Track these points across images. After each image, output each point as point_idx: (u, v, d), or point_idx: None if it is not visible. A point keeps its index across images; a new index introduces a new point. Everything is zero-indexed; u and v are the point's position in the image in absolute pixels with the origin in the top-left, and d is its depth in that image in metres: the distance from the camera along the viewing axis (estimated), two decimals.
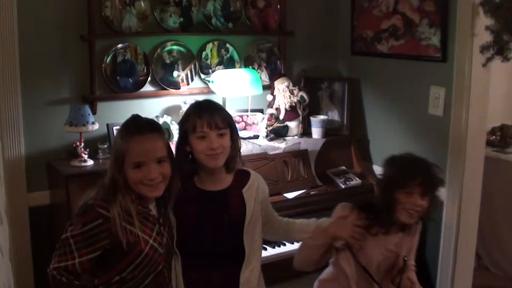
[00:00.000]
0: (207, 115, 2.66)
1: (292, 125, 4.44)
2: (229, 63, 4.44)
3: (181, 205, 2.73)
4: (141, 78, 4.09)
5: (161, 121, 3.91)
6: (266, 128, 4.34)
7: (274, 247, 3.80)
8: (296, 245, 3.56)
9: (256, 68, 4.51)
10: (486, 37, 3.20)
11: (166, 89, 4.19)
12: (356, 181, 4.31)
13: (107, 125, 3.86)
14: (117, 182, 2.53)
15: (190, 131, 2.68)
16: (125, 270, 2.53)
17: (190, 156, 2.75)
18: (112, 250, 2.51)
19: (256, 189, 2.82)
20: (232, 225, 2.73)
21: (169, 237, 2.69)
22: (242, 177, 2.84)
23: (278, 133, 4.35)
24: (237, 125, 2.97)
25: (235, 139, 2.77)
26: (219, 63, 4.40)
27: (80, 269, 2.48)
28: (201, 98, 4.03)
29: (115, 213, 2.47)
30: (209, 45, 4.35)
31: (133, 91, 4.06)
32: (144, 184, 2.54)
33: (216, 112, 2.71)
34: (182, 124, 2.76)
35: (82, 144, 3.73)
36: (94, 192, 2.55)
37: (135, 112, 2.72)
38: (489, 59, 3.21)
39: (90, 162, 3.74)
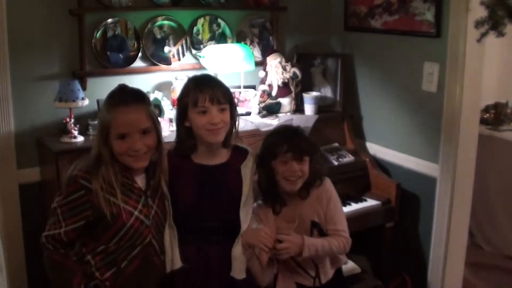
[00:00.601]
0: (209, 90, 2.66)
1: (285, 101, 4.41)
2: (221, 39, 4.39)
3: (179, 180, 2.74)
4: (131, 53, 4.05)
5: (152, 97, 3.88)
6: (259, 104, 4.32)
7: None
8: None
9: (248, 44, 4.46)
10: (480, 12, 3.16)
11: (157, 64, 4.15)
12: (349, 158, 4.29)
13: (98, 101, 3.82)
14: (103, 154, 2.54)
15: (190, 106, 2.67)
16: (110, 241, 2.56)
17: (189, 131, 2.74)
18: (96, 221, 2.54)
19: (252, 167, 2.84)
20: (229, 200, 2.75)
21: (160, 210, 2.69)
22: (240, 154, 2.85)
23: (270, 109, 4.32)
24: None
25: (234, 115, 2.77)
26: (210, 39, 4.36)
27: (65, 238, 2.54)
28: (192, 74, 4.02)
29: (97, 186, 2.50)
30: (201, 20, 4.30)
31: (123, 66, 4.02)
32: (129, 155, 2.56)
33: (218, 87, 2.71)
34: (181, 99, 2.75)
35: (72, 120, 3.69)
36: (82, 164, 2.56)
37: None
38: (483, 34, 3.17)
39: (80, 138, 3.70)
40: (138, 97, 2.63)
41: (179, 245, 2.73)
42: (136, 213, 2.57)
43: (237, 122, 2.81)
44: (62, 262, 2.56)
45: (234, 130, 2.81)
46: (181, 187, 2.74)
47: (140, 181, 2.66)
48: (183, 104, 2.71)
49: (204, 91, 2.64)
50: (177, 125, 2.79)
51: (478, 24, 3.17)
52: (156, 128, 2.64)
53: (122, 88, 2.67)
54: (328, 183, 3.00)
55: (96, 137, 2.65)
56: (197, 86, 2.68)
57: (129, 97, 2.59)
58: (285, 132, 2.92)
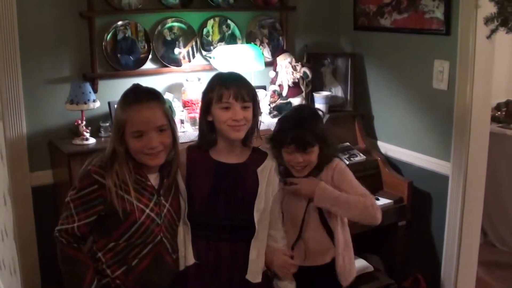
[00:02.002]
0: (234, 86, 2.66)
1: (295, 101, 4.40)
2: (230, 40, 4.40)
3: (195, 174, 2.75)
4: (142, 55, 4.06)
5: None
6: (269, 105, 4.32)
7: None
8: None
9: (258, 44, 4.47)
10: (490, 9, 3.16)
11: (167, 66, 4.16)
12: (361, 157, 4.29)
13: (109, 103, 3.84)
14: (118, 152, 2.56)
15: (215, 101, 2.68)
16: (120, 237, 2.57)
17: (211, 126, 2.76)
18: (108, 217, 2.56)
19: (269, 172, 2.82)
20: (243, 200, 2.74)
21: (173, 209, 2.70)
22: (259, 156, 2.84)
23: (281, 109, 4.30)
24: None
25: (256, 113, 2.78)
26: (220, 40, 4.36)
27: (78, 233, 2.55)
28: (203, 75, 4.02)
29: (111, 182, 2.51)
30: (210, 22, 4.31)
31: (134, 68, 4.03)
32: (145, 153, 2.57)
33: (243, 84, 2.73)
34: (206, 93, 2.75)
35: (84, 122, 3.71)
36: (96, 160, 2.59)
37: None
38: (493, 31, 3.17)
39: (92, 140, 3.72)
40: (153, 95, 2.65)
41: (192, 241, 2.74)
42: (147, 211, 2.59)
43: (259, 122, 2.82)
44: (75, 256, 2.57)
45: (256, 130, 2.81)
46: (197, 181, 2.74)
47: (153, 179, 2.67)
48: (208, 98, 2.71)
49: (229, 87, 2.65)
50: (200, 119, 2.80)
51: (488, 20, 3.16)
52: (171, 126, 2.65)
53: (137, 87, 2.68)
54: (336, 162, 2.94)
55: (111, 135, 2.67)
56: (223, 82, 2.69)
57: (144, 96, 2.61)
58: (291, 120, 2.87)
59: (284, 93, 4.38)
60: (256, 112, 2.77)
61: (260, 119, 2.83)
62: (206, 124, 2.76)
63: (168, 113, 2.66)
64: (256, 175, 2.77)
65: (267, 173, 2.80)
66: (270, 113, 4.27)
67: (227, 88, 2.65)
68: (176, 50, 4.18)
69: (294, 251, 2.90)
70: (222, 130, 2.70)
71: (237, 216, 2.75)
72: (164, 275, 2.68)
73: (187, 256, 2.74)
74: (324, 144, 2.86)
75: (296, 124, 2.83)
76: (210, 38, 4.33)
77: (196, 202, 2.74)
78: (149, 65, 4.12)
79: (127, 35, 3.98)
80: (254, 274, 2.77)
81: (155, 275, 2.64)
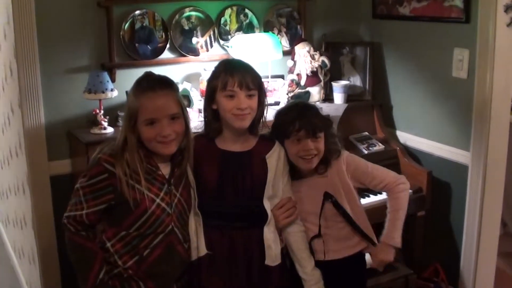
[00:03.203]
0: (239, 74, 2.64)
1: (314, 90, 4.39)
2: (248, 29, 4.39)
3: (202, 164, 2.74)
4: (159, 45, 4.06)
5: (181, 88, 3.87)
6: (287, 94, 4.30)
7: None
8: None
9: (276, 33, 4.45)
10: None
11: (185, 55, 4.15)
12: (379, 146, 4.27)
13: (126, 92, 3.81)
14: (129, 140, 2.55)
15: (219, 88, 2.66)
16: (130, 227, 2.57)
17: (216, 114, 2.74)
18: (118, 206, 2.56)
19: (278, 158, 2.80)
20: (252, 188, 2.72)
21: (183, 199, 2.70)
22: (266, 144, 2.82)
23: (299, 99, 4.29)
24: None
25: (262, 101, 2.75)
26: (238, 29, 4.35)
27: (87, 220, 2.56)
28: None
29: (121, 171, 2.51)
30: (228, 11, 4.30)
31: (152, 58, 4.03)
32: (157, 141, 2.56)
33: (248, 72, 2.69)
34: (211, 80, 2.74)
35: (102, 111, 3.72)
36: (106, 148, 2.58)
37: None
38: None
39: (110, 130, 3.73)
40: (166, 83, 2.64)
41: (203, 231, 2.73)
42: (158, 200, 2.58)
43: (265, 110, 2.78)
44: (84, 244, 2.57)
45: (262, 118, 2.79)
46: (204, 171, 2.73)
47: (164, 168, 2.65)
48: (212, 86, 2.70)
49: (234, 75, 2.62)
50: (205, 107, 2.78)
51: (508, 8, 3.15)
52: (184, 115, 2.63)
53: (149, 75, 2.67)
54: (345, 155, 2.95)
55: (123, 123, 2.66)
56: (228, 70, 2.67)
57: (157, 84, 2.59)
58: (295, 109, 2.86)
59: (302, 82, 4.36)
60: (262, 100, 2.75)
61: (267, 107, 2.80)
62: (211, 112, 2.74)
63: (181, 102, 2.64)
64: (264, 162, 2.75)
65: (276, 160, 2.79)
66: (288, 102, 4.24)
67: (232, 76, 2.63)
68: (194, 40, 4.17)
69: (315, 247, 2.90)
70: (226, 119, 2.68)
71: (247, 203, 2.74)
72: (176, 264, 2.68)
73: (199, 247, 2.73)
74: (328, 131, 2.87)
75: (301, 112, 2.83)
76: (227, 27, 4.32)
77: (205, 191, 2.73)
78: (166, 54, 4.11)
79: (144, 24, 3.97)
80: (273, 257, 2.76)
81: (167, 265, 2.64)
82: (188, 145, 2.68)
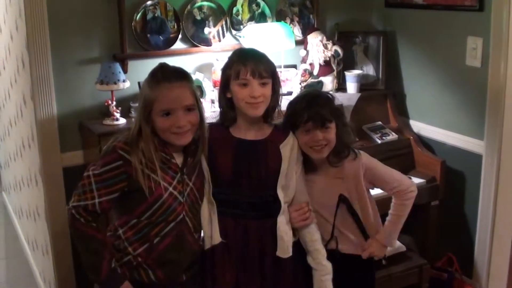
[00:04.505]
0: (252, 63, 2.64)
1: (327, 80, 4.36)
2: (260, 18, 4.36)
3: (217, 153, 2.74)
4: (171, 35, 4.05)
5: (193, 78, 3.86)
6: (300, 84, 4.28)
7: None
8: None
9: (288, 23, 4.42)
10: None
11: (197, 46, 4.14)
12: (393, 136, 4.25)
13: (139, 83, 3.83)
14: (144, 130, 2.56)
15: (233, 77, 2.67)
16: (142, 214, 2.58)
17: (230, 103, 2.75)
18: (130, 193, 2.56)
19: (291, 148, 2.79)
20: (267, 177, 2.73)
21: (196, 189, 2.70)
22: (281, 133, 2.82)
23: (312, 88, 4.27)
24: None
25: (276, 90, 2.75)
26: (250, 19, 4.33)
27: (99, 209, 2.54)
28: None
29: (136, 160, 2.51)
30: (240, 0, 4.28)
31: (164, 48, 4.02)
32: (172, 131, 2.56)
33: (261, 61, 2.69)
34: (225, 70, 2.75)
35: (114, 102, 3.72)
36: (121, 137, 2.59)
37: None
38: None
39: (123, 121, 3.73)
40: (181, 74, 2.64)
41: (218, 219, 2.74)
42: (170, 189, 2.59)
43: (280, 98, 2.78)
44: (94, 235, 2.55)
45: (277, 107, 2.79)
46: (219, 160, 2.73)
47: (178, 158, 2.66)
48: (226, 75, 2.71)
49: (247, 64, 2.63)
50: (219, 96, 2.79)
51: None
52: (199, 106, 2.64)
53: (164, 66, 2.67)
54: (364, 159, 2.93)
55: (137, 114, 2.66)
56: (241, 59, 2.68)
57: (172, 75, 2.60)
58: (305, 100, 2.84)
59: (315, 72, 4.34)
60: (276, 88, 2.75)
61: (285, 94, 2.79)
62: (226, 101, 2.75)
63: (196, 93, 2.65)
64: (278, 152, 2.75)
65: (290, 150, 2.78)
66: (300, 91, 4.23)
67: (245, 65, 2.63)
68: (206, 30, 4.16)
69: (328, 243, 2.92)
70: (240, 107, 2.69)
71: (261, 193, 2.74)
72: (185, 254, 2.68)
73: (213, 235, 2.74)
74: (339, 121, 2.85)
75: (311, 102, 2.81)
76: (240, 17, 4.30)
77: (220, 180, 2.73)
78: (179, 45, 4.10)
79: (156, 14, 3.96)
80: (284, 249, 2.77)
81: (177, 253, 2.64)
82: (203, 136, 2.69)
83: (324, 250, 2.86)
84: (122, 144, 2.54)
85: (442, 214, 4.20)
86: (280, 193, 2.75)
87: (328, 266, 2.84)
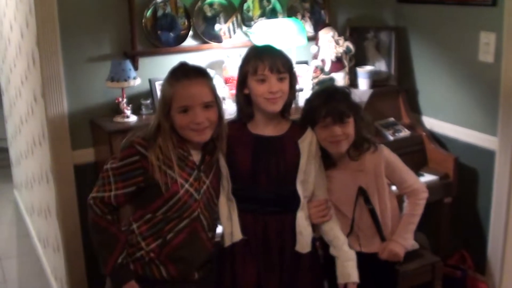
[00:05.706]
0: (269, 58, 2.67)
1: (339, 76, 4.34)
2: (271, 15, 4.34)
3: (235, 149, 2.76)
4: (182, 32, 4.03)
5: None
6: (312, 80, 4.26)
7: None
8: None
9: (299, 19, 4.40)
10: None
11: (208, 42, 4.12)
12: (405, 132, 4.23)
13: (150, 80, 3.82)
14: (163, 126, 2.60)
15: (250, 73, 2.69)
16: (157, 210, 2.61)
17: (247, 99, 2.77)
18: (146, 188, 2.59)
19: (310, 143, 2.81)
20: (286, 172, 2.74)
21: (212, 187, 2.72)
22: (299, 129, 2.83)
23: (324, 84, 4.25)
24: None
25: (293, 85, 2.78)
26: (261, 15, 4.31)
27: (115, 202, 2.60)
28: (243, 51, 3.99)
29: (153, 156, 2.55)
30: None
31: (174, 45, 4.00)
32: (191, 128, 2.59)
33: (278, 56, 2.72)
34: (242, 66, 2.77)
35: (125, 99, 3.71)
36: (140, 133, 2.63)
37: None
38: None
39: (133, 118, 3.72)
40: (201, 72, 2.68)
41: (238, 215, 2.75)
42: (186, 185, 2.60)
43: (297, 93, 2.79)
44: (108, 228, 2.61)
45: (294, 102, 2.82)
46: (238, 156, 2.75)
47: (196, 155, 2.68)
48: (243, 71, 2.73)
49: (264, 59, 2.66)
50: (237, 92, 2.82)
51: None
52: (217, 103, 2.67)
53: (184, 64, 2.70)
54: (383, 149, 2.94)
55: (157, 111, 2.69)
56: (258, 55, 2.71)
57: (191, 72, 2.64)
58: (322, 95, 2.86)
59: (327, 68, 4.32)
60: (293, 83, 2.78)
61: (298, 91, 2.80)
62: (243, 97, 2.77)
63: (215, 90, 2.67)
64: (297, 147, 2.77)
65: (308, 145, 2.79)
66: (312, 88, 4.21)
67: (262, 61, 2.66)
68: (217, 26, 4.14)
69: (349, 240, 2.91)
70: (258, 103, 2.71)
71: (280, 188, 2.75)
72: (198, 251, 2.69)
73: (234, 233, 2.75)
74: (357, 116, 2.85)
75: (328, 97, 2.82)
76: (250, 14, 4.28)
77: (239, 176, 2.75)
78: (189, 41, 4.09)
79: (167, 11, 3.95)
80: (303, 244, 2.78)
81: (189, 250, 2.65)
82: (221, 134, 2.71)
83: (343, 236, 2.88)
84: (140, 139, 2.58)
85: (455, 211, 4.18)
86: (299, 188, 2.76)
87: (350, 252, 2.86)
